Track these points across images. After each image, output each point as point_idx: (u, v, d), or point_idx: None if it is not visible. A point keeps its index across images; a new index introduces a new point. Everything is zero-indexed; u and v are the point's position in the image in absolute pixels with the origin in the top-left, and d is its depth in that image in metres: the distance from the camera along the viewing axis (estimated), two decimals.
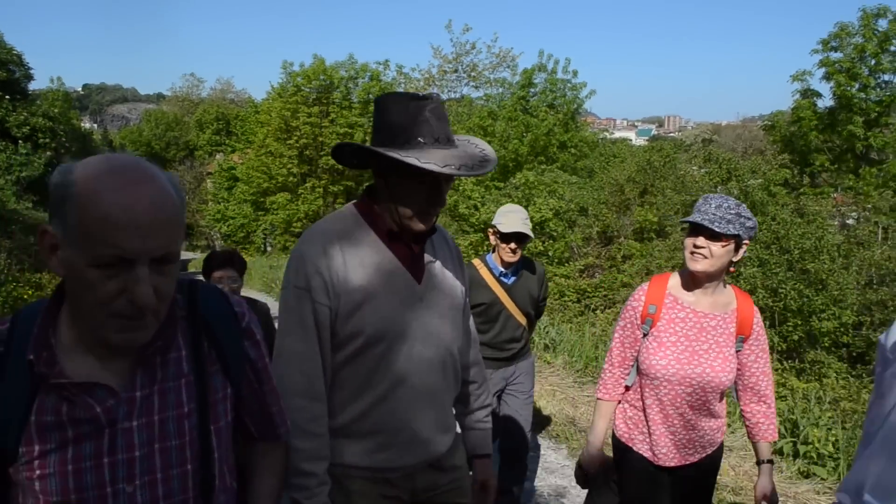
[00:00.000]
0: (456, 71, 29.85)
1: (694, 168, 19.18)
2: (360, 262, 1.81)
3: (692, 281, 2.60)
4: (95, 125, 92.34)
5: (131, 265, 1.14)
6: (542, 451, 5.78)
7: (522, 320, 4.07)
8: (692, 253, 2.50)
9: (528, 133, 22.92)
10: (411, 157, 1.65)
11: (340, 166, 26.28)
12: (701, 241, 2.47)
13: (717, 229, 2.40)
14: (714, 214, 2.44)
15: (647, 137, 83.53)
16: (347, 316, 1.79)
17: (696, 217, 2.46)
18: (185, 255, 39.65)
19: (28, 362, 1.20)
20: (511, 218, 3.90)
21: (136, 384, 1.26)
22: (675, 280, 2.67)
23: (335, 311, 1.78)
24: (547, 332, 9.36)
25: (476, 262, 4.14)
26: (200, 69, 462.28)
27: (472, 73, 29.65)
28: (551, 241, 14.58)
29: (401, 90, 29.11)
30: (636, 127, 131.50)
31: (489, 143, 22.63)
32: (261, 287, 18.23)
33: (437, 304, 1.93)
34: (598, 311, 12.41)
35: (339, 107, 27.29)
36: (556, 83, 24.94)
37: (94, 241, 1.11)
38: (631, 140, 59.34)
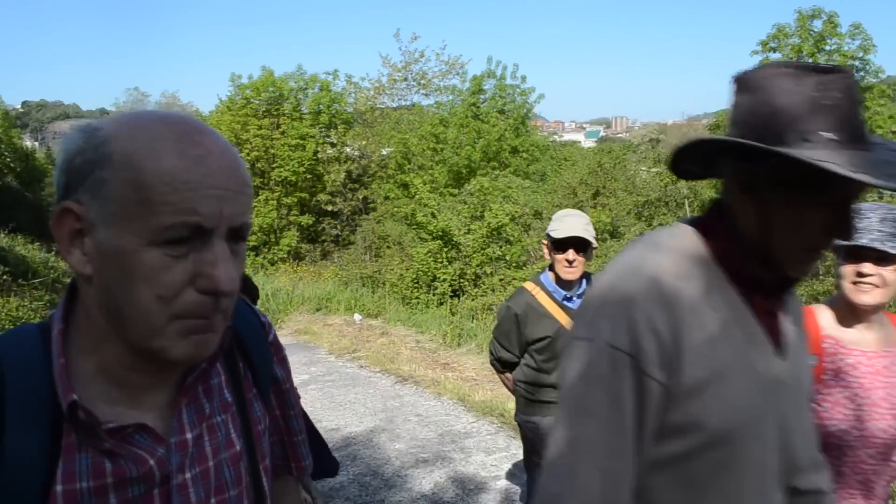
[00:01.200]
0: (406, 79, 29.88)
1: (643, 169, 19.58)
2: (707, 320, 1.17)
3: (851, 314, 2.09)
4: (37, 143, 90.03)
5: (205, 239, 0.86)
6: (513, 450, 5.84)
7: None
8: (856, 283, 2.00)
9: (480, 139, 23.10)
10: (829, 163, 1.03)
11: (294, 177, 26.28)
12: (868, 267, 1.97)
13: (890, 250, 1.91)
14: (881, 231, 1.93)
15: (595, 139, 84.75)
16: (684, 398, 1.15)
17: (862, 239, 1.94)
18: None
19: (70, 405, 0.86)
20: (567, 222, 3.27)
21: (184, 424, 0.97)
22: (826, 316, 2.15)
23: (670, 391, 1.14)
24: None
25: (529, 285, 3.50)
26: (144, 83, 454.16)
27: (422, 81, 29.70)
28: (508, 246, 14.71)
29: (351, 99, 29.14)
30: (584, 129, 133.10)
31: (441, 150, 22.94)
32: None
33: (798, 389, 1.33)
34: None
35: (290, 118, 27.09)
36: (506, 89, 25.23)
37: (156, 207, 0.82)
38: (580, 142, 60.19)
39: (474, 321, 11.11)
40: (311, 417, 7.06)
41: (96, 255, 0.86)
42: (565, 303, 3.38)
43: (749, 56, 23.24)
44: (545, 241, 3.42)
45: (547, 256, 3.42)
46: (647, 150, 29.29)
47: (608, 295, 1.18)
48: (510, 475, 5.36)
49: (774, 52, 22.81)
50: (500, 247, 14.62)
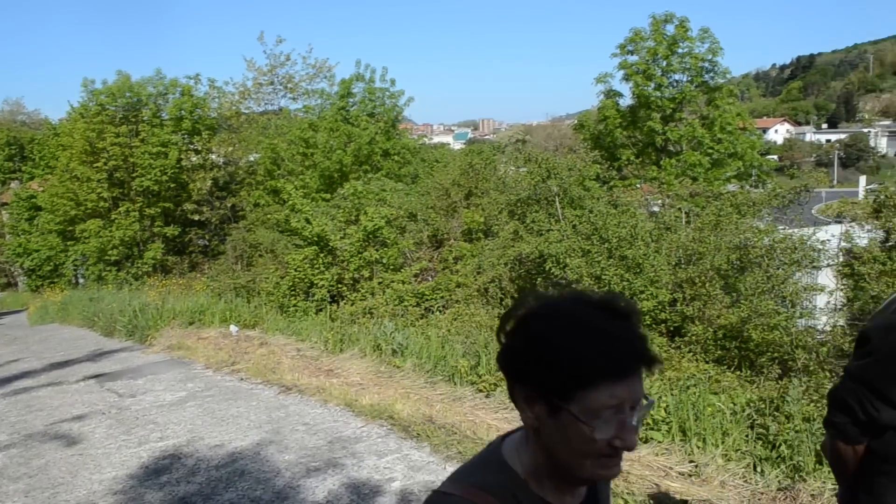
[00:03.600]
0: (272, 83, 29.34)
1: (512, 168, 20.10)
2: None
3: None
4: None
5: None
6: (405, 451, 5.83)
7: None
8: None
9: (351, 143, 23.01)
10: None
11: (157, 187, 25.15)
12: None
13: None
14: None
15: (464, 141, 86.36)
16: None
17: None
18: None
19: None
20: None
21: None
22: None
23: None
24: (394, 338, 9.44)
25: None
26: None
27: (289, 85, 29.27)
28: (385, 249, 14.69)
29: (215, 104, 28.21)
30: (453, 131, 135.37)
31: (311, 155, 22.63)
32: (81, 322, 16.94)
33: None
34: (437, 313, 12.66)
35: (150, 125, 25.92)
36: (375, 92, 25.29)
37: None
38: (449, 144, 61.13)
39: (356, 325, 11.01)
40: (193, 435, 6.79)
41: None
42: None
43: (609, 58, 24.45)
44: None
45: None
46: (513, 150, 30.14)
47: None
48: (404, 476, 5.33)
49: (632, 54, 24.07)
50: (377, 250, 14.58)
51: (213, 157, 27.27)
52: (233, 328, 11.85)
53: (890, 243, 11.46)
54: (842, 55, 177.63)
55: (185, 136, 26.62)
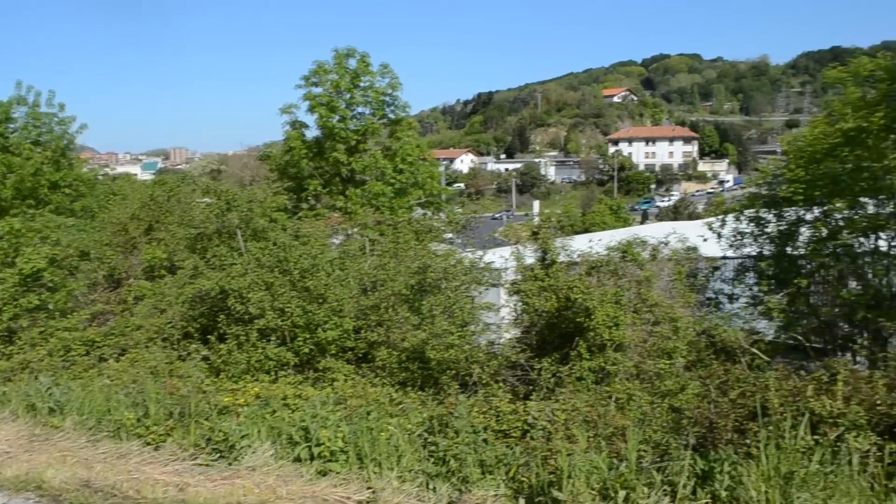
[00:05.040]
0: None
1: (202, 201, 19.35)
2: None
3: None
4: None
5: None
6: None
7: None
8: None
9: (12, 174, 20.62)
10: None
11: None
12: None
13: None
14: None
15: (153, 171, 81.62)
16: None
17: None
18: None
19: None
20: None
21: None
22: None
23: None
24: (51, 394, 8.47)
25: None
26: None
27: None
28: (50, 294, 13.24)
29: None
30: (141, 161, 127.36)
31: None
32: None
33: None
34: (110, 360, 11.65)
35: None
36: (41, 117, 23.02)
37: None
38: (136, 174, 57.39)
39: (8, 384, 9.71)
40: None
41: None
42: None
43: (294, 89, 24.68)
44: None
45: None
46: (206, 181, 29.13)
47: None
48: None
49: (316, 86, 24.58)
50: (40, 295, 13.08)
51: None
52: None
53: (547, 261, 12.81)
54: (516, 93, 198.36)
55: None
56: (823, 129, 14.09)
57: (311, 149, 24.15)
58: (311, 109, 24.08)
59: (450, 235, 15.45)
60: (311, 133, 24.94)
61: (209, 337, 11.14)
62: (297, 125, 24.85)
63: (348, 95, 23.90)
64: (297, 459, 5.96)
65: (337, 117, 23.79)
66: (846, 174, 13.29)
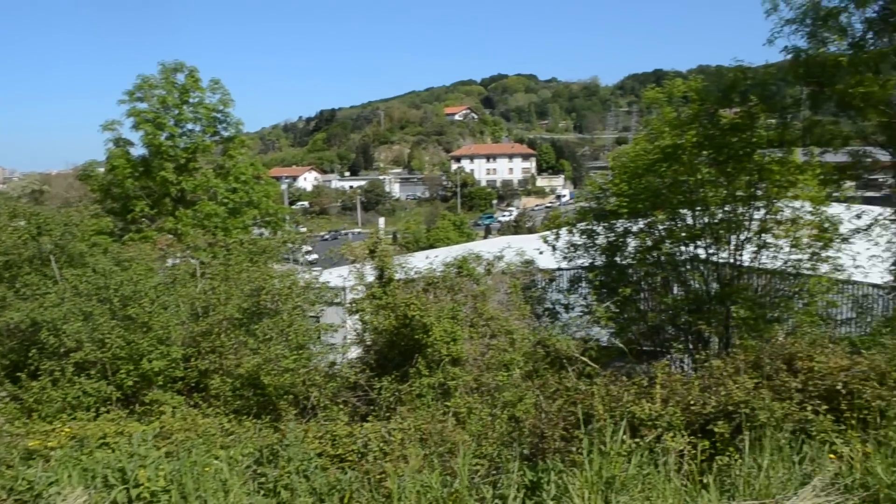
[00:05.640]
0: None
1: (12, 224, 17.73)
2: None
3: None
4: None
5: None
6: None
7: None
8: None
9: None
10: None
11: None
12: None
13: None
14: None
15: None
16: None
17: None
18: None
19: None
20: None
21: None
22: None
23: None
24: None
25: None
26: None
27: None
28: None
29: None
30: None
31: None
32: None
33: None
34: None
35: None
36: None
37: None
38: None
39: None
40: None
41: None
42: None
43: (117, 105, 23.34)
44: None
45: None
46: (25, 202, 26.98)
47: None
48: None
49: (142, 101, 23.35)
50: None
51: None
52: None
53: (384, 279, 12.73)
54: (359, 110, 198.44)
55: None
56: (644, 146, 15.06)
57: (137, 168, 22.82)
58: (136, 126, 22.80)
59: (290, 256, 15.05)
60: (138, 151, 23.68)
61: (19, 374, 10.18)
62: (122, 142, 23.44)
63: (177, 112, 22.83)
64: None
65: (165, 134, 22.68)
66: (665, 188, 14.24)
